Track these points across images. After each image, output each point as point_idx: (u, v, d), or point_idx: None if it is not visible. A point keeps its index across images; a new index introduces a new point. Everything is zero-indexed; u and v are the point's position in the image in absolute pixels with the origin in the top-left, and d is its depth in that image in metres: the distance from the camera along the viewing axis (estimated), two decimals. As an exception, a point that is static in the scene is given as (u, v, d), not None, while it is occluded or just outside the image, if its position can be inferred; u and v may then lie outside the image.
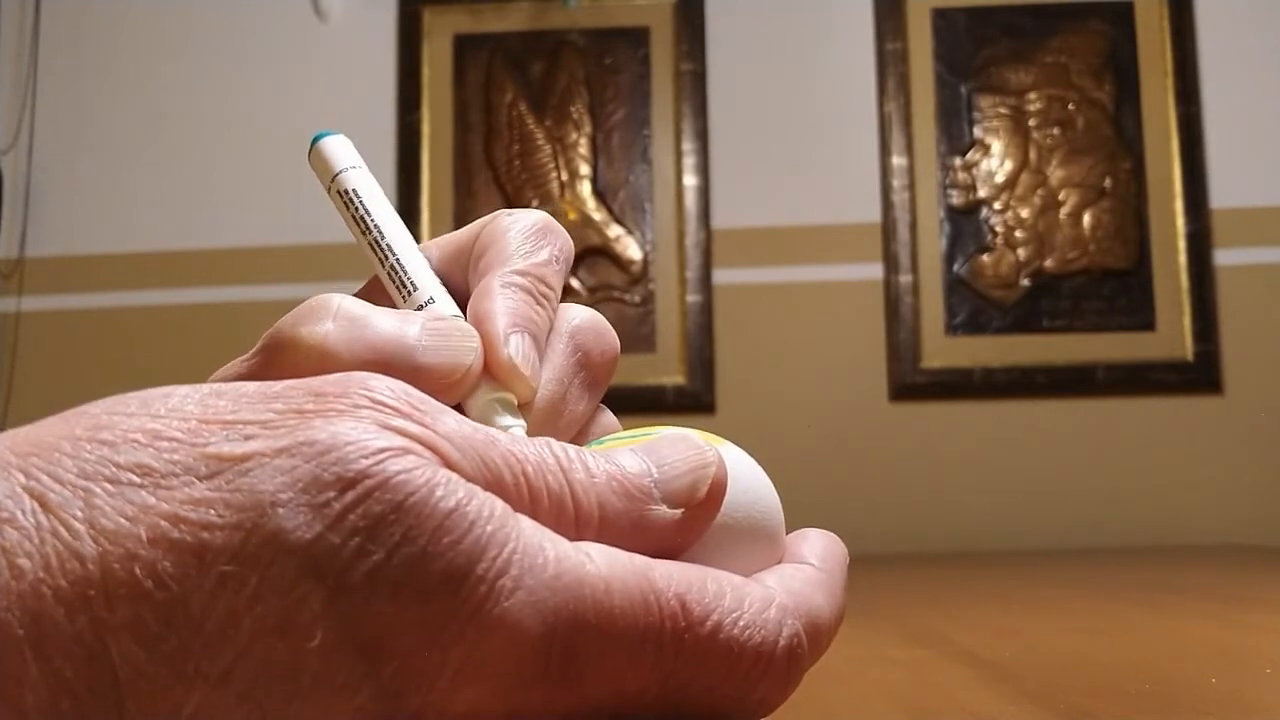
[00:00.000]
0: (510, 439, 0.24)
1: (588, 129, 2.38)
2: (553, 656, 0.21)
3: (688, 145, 2.36)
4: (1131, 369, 2.25)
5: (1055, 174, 2.31)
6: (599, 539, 0.24)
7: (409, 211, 2.37)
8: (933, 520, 2.26)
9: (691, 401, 2.29)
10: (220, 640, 0.19)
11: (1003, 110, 2.34)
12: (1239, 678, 0.60)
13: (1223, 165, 2.31)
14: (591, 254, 2.35)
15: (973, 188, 2.33)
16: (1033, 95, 2.33)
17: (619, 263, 2.34)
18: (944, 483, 2.27)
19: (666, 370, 2.31)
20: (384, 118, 2.42)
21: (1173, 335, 2.26)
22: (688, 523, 0.26)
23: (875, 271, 2.32)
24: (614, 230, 2.35)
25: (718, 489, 0.26)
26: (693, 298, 2.31)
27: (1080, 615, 0.93)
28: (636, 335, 2.32)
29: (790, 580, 0.28)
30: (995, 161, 2.33)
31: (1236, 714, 0.50)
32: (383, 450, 0.21)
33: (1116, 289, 2.28)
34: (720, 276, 2.33)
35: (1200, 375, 2.25)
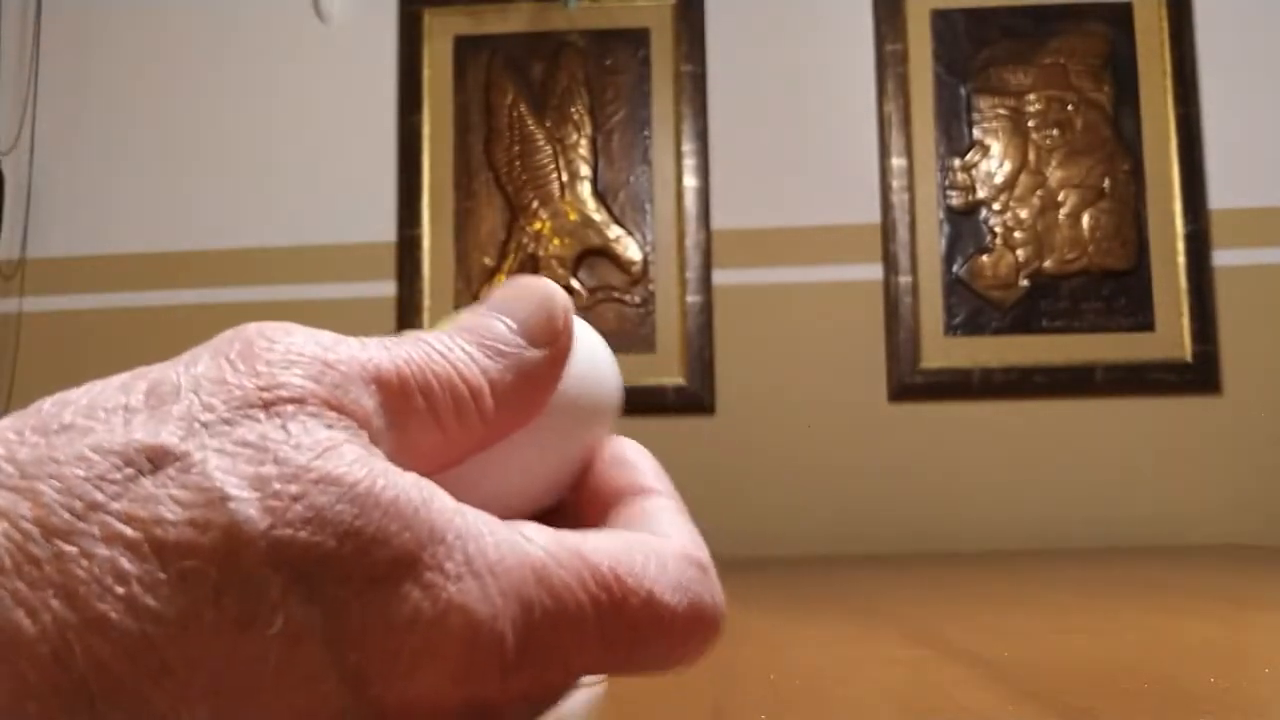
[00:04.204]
0: (381, 345, 0.26)
1: (588, 130, 2.38)
2: (505, 639, 0.22)
3: (688, 146, 2.36)
4: (1130, 369, 2.26)
5: (1054, 175, 2.31)
6: (497, 405, 0.25)
7: (409, 212, 2.37)
8: (932, 520, 2.26)
9: (691, 401, 2.29)
10: (184, 634, 0.19)
11: (1002, 111, 2.34)
12: (1238, 677, 0.60)
13: (1221, 166, 2.31)
14: (591, 255, 2.35)
15: (972, 189, 2.33)
16: (1032, 96, 2.34)
17: (619, 263, 2.35)
18: (943, 483, 2.27)
19: (666, 370, 2.31)
20: (385, 119, 2.42)
21: (1171, 336, 2.27)
22: (556, 354, 0.27)
23: (875, 272, 2.33)
24: (614, 231, 2.36)
25: (568, 314, 0.27)
26: (692, 298, 2.31)
27: (1079, 615, 0.93)
28: (636, 336, 2.32)
29: (676, 525, 0.28)
30: (994, 162, 2.33)
31: (1236, 713, 0.50)
32: (325, 445, 0.22)
33: (1115, 289, 2.28)
34: (720, 277, 2.34)
35: (1199, 375, 2.25)
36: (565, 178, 2.37)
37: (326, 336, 0.25)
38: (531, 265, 2.35)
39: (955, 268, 2.31)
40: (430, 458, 0.25)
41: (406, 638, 0.21)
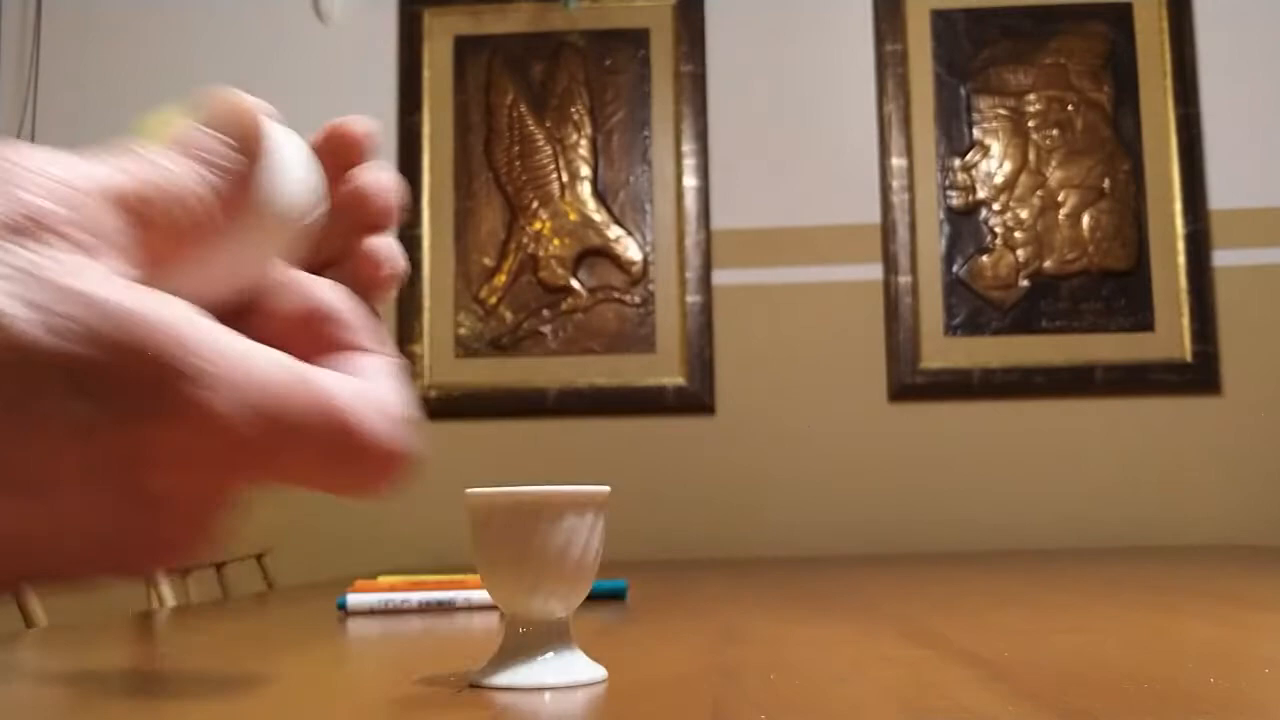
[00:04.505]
0: (118, 166, 0.28)
1: (588, 130, 2.39)
2: (245, 434, 0.25)
3: (687, 146, 2.36)
4: (1130, 369, 2.26)
5: (1054, 175, 2.32)
6: (222, 216, 0.29)
7: (410, 212, 2.37)
8: (931, 520, 2.26)
9: (691, 401, 2.30)
10: None
11: (1002, 111, 2.34)
12: (1237, 677, 0.60)
13: (1221, 166, 2.31)
14: (591, 255, 2.35)
15: (972, 189, 2.33)
16: (1032, 96, 2.34)
17: (619, 263, 2.35)
18: (942, 482, 2.27)
19: (666, 370, 2.31)
20: (385, 119, 2.43)
21: (1171, 336, 2.27)
22: (255, 162, 0.30)
23: (875, 272, 2.33)
24: (614, 231, 2.36)
25: (261, 124, 0.30)
26: (692, 298, 2.32)
27: (1078, 615, 0.93)
28: (636, 336, 2.33)
29: (382, 378, 0.31)
30: (994, 162, 2.33)
31: (1235, 713, 0.51)
32: (81, 266, 0.24)
33: (1115, 290, 2.29)
34: (720, 277, 2.34)
35: (1199, 375, 2.25)
36: (565, 178, 2.38)
37: (63, 158, 0.27)
38: (532, 265, 2.36)
39: (955, 268, 2.31)
40: (162, 266, 0.28)
41: (169, 433, 0.24)
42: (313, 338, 0.32)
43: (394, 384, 0.31)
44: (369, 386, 0.29)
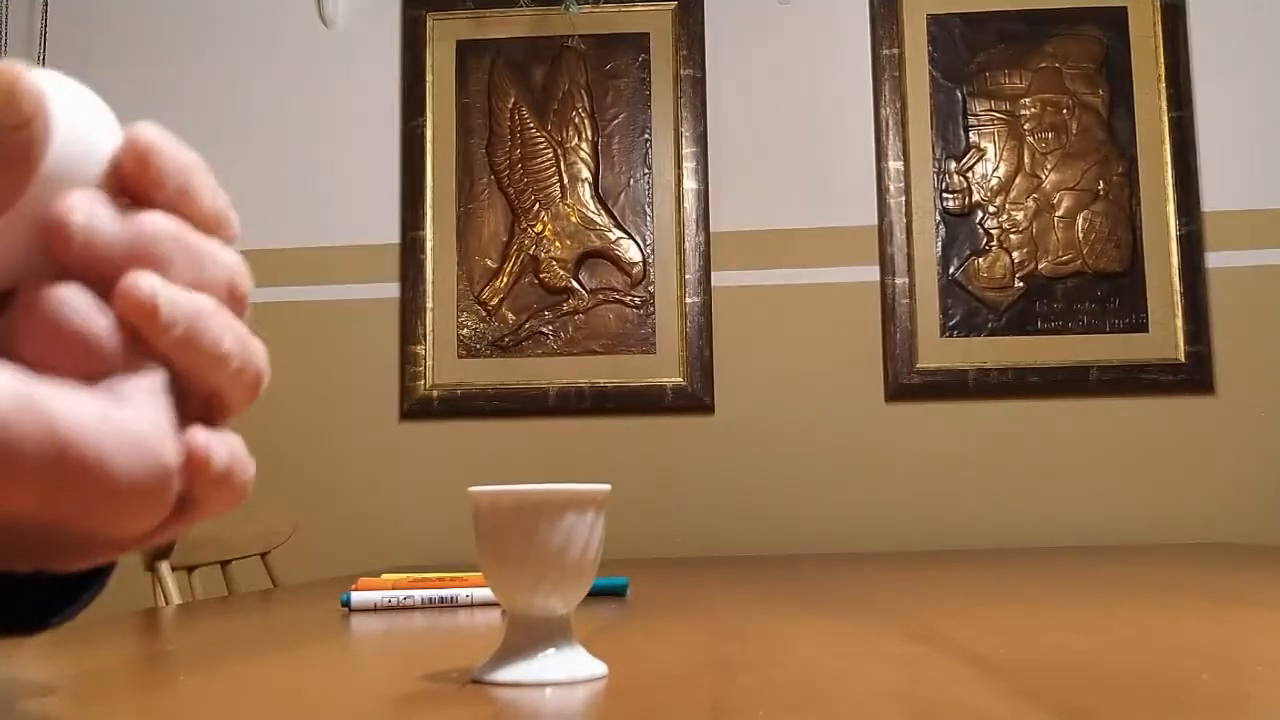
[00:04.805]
0: None
1: (588, 133, 2.39)
2: None
3: (687, 149, 2.37)
4: (1124, 370, 2.27)
5: (1049, 178, 2.33)
6: None
7: (413, 214, 2.38)
8: (929, 519, 2.27)
9: (691, 401, 2.31)
10: None
11: (997, 115, 2.35)
12: (1231, 675, 0.61)
13: (1214, 169, 2.32)
14: (592, 256, 2.36)
15: (967, 191, 2.34)
16: (1027, 100, 2.35)
17: (619, 265, 2.36)
18: (939, 482, 2.28)
19: (666, 371, 2.32)
20: (388, 123, 2.43)
21: (1165, 336, 2.28)
22: (34, 135, 0.27)
23: (871, 274, 2.34)
24: (614, 233, 2.37)
25: (38, 96, 0.27)
26: (692, 299, 2.33)
27: (1074, 613, 0.93)
28: (636, 336, 2.34)
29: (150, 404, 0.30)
30: (990, 165, 2.34)
31: (1230, 711, 0.51)
32: None
33: (1110, 291, 2.30)
34: (719, 279, 2.35)
35: (1192, 376, 2.26)
36: (566, 180, 2.38)
37: None
38: (533, 266, 2.36)
39: (951, 269, 2.32)
40: None
41: None
42: (75, 352, 0.29)
43: (157, 408, 0.29)
44: (118, 412, 0.27)
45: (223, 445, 0.31)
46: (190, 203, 0.32)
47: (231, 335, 0.31)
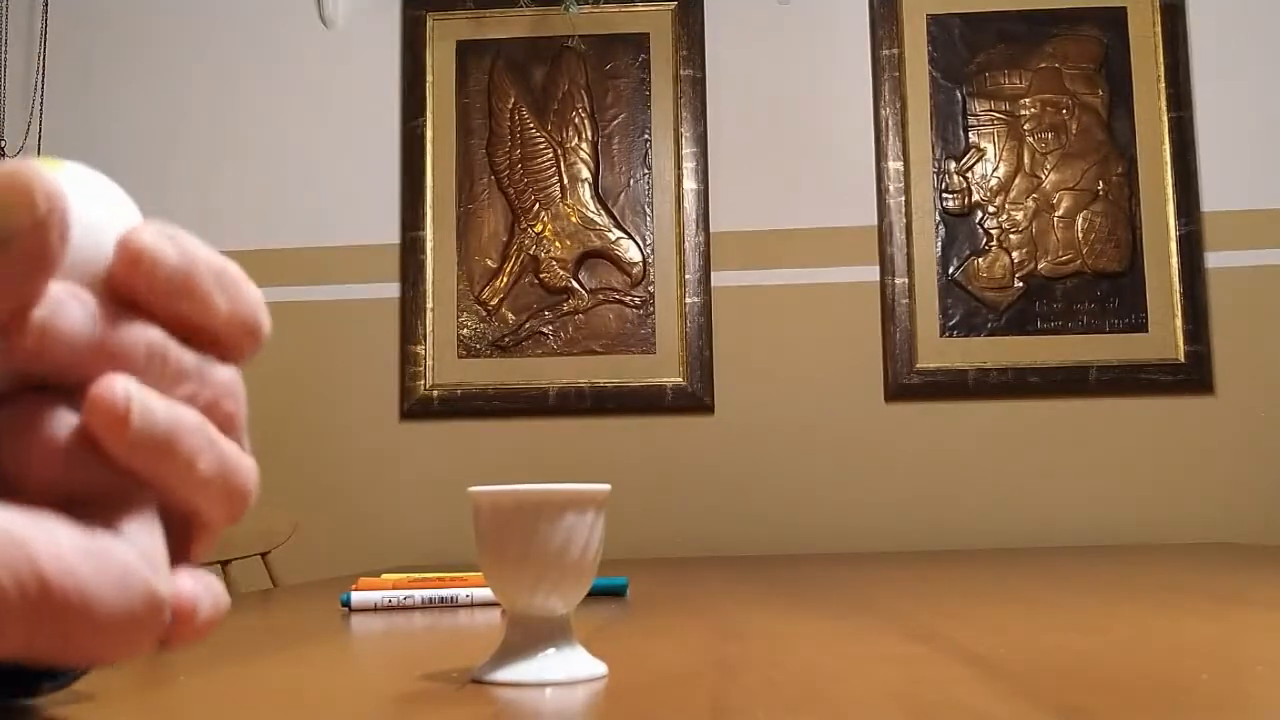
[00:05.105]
0: None
1: (588, 133, 2.40)
2: None
3: (687, 150, 2.37)
4: (1124, 369, 2.27)
5: (1049, 178, 2.33)
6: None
7: (413, 214, 2.39)
8: (928, 519, 2.27)
9: (690, 401, 2.31)
10: None
11: (997, 115, 2.35)
12: (1231, 675, 0.61)
13: (1214, 169, 2.33)
14: (592, 256, 2.37)
15: (967, 191, 2.34)
16: (1026, 100, 2.35)
17: (619, 265, 2.36)
18: (939, 482, 2.28)
19: (666, 371, 2.32)
20: (388, 122, 2.44)
21: (1164, 336, 2.28)
22: (44, 242, 0.26)
23: (871, 274, 2.34)
24: (614, 233, 2.37)
25: (52, 203, 0.27)
26: (692, 299, 2.33)
27: (1073, 613, 0.93)
28: (636, 336, 2.34)
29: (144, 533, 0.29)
30: (989, 165, 2.34)
31: (1230, 711, 0.51)
32: None
33: (1109, 291, 2.30)
34: (719, 279, 2.35)
35: (1192, 376, 2.27)
36: (566, 180, 2.39)
37: None
38: (533, 266, 2.37)
39: (951, 269, 2.32)
40: None
41: None
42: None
43: (150, 537, 0.28)
44: (104, 545, 0.26)
45: (207, 593, 0.31)
46: (193, 310, 0.30)
47: (210, 455, 0.30)
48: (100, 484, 0.28)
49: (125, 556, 0.27)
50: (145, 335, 0.30)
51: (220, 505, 0.31)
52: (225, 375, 0.32)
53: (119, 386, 0.28)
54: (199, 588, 0.30)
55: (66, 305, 0.28)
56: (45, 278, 0.27)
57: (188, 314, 0.30)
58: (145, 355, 0.29)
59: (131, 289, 0.29)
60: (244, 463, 0.31)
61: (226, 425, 0.31)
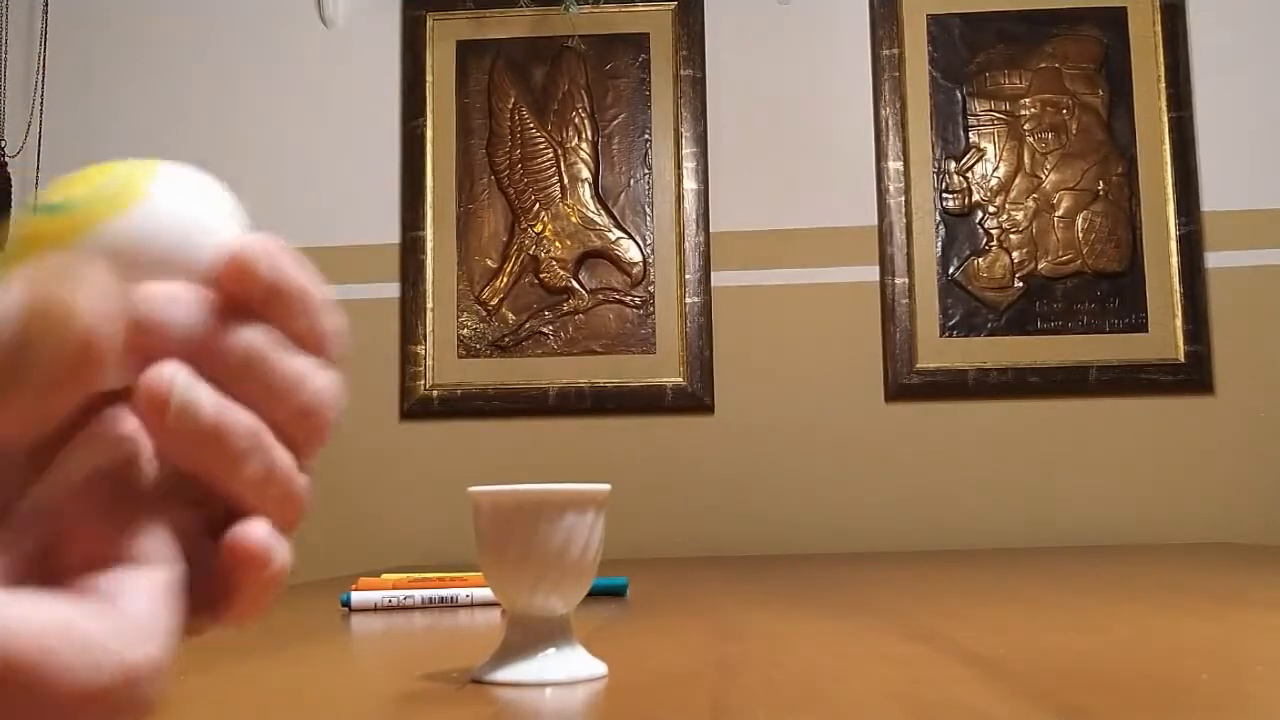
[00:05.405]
0: None
1: (588, 133, 2.40)
2: None
3: (687, 150, 2.37)
4: (1124, 369, 2.27)
5: (1049, 178, 2.33)
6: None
7: (413, 214, 2.39)
8: (928, 519, 2.27)
9: (690, 401, 2.31)
10: None
11: (997, 115, 2.35)
12: (1231, 675, 0.61)
13: (1214, 169, 2.33)
14: (592, 257, 2.37)
15: (967, 191, 2.34)
16: (1027, 100, 2.35)
17: (619, 265, 2.36)
18: (939, 482, 2.29)
19: (666, 371, 2.32)
20: (388, 123, 2.44)
21: (1164, 336, 2.28)
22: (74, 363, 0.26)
23: (871, 274, 2.34)
24: (614, 233, 2.37)
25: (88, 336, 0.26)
26: (692, 299, 2.33)
27: (1073, 613, 0.94)
28: (637, 336, 2.34)
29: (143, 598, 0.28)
30: (990, 165, 2.34)
31: (1229, 711, 0.51)
32: None
33: (1109, 291, 2.30)
34: (719, 279, 2.35)
35: (1192, 376, 2.27)
36: (566, 180, 2.39)
37: None
38: (533, 266, 2.37)
39: (951, 269, 2.32)
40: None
41: None
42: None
43: (150, 602, 0.28)
44: (88, 619, 0.26)
45: (280, 546, 0.31)
46: (286, 320, 0.31)
47: (259, 461, 0.30)
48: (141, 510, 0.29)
49: (114, 625, 0.27)
50: (244, 338, 0.30)
51: (274, 511, 0.31)
52: (326, 382, 0.32)
53: (166, 373, 0.28)
54: (272, 540, 0.30)
55: (170, 304, 0.29)
56: (79, 395, 0.27)
57: (282, 322, 0.31)
58: (243, 357, 0.30)
59: (234, 295, 0.30)
60: (296, 478, 0.31)
61: (312, 436, 0.32)
